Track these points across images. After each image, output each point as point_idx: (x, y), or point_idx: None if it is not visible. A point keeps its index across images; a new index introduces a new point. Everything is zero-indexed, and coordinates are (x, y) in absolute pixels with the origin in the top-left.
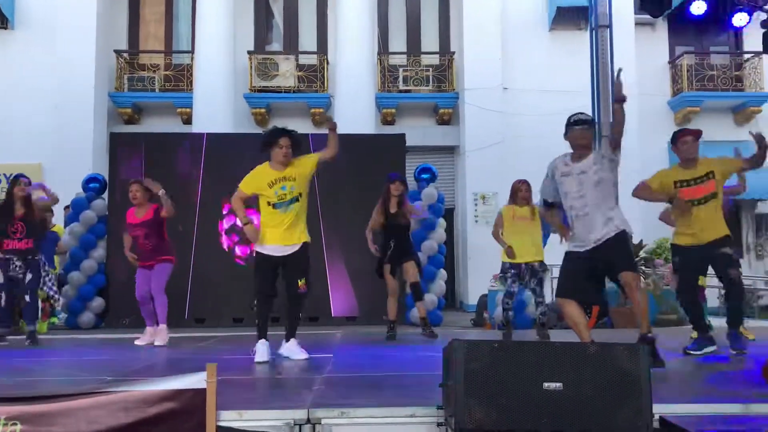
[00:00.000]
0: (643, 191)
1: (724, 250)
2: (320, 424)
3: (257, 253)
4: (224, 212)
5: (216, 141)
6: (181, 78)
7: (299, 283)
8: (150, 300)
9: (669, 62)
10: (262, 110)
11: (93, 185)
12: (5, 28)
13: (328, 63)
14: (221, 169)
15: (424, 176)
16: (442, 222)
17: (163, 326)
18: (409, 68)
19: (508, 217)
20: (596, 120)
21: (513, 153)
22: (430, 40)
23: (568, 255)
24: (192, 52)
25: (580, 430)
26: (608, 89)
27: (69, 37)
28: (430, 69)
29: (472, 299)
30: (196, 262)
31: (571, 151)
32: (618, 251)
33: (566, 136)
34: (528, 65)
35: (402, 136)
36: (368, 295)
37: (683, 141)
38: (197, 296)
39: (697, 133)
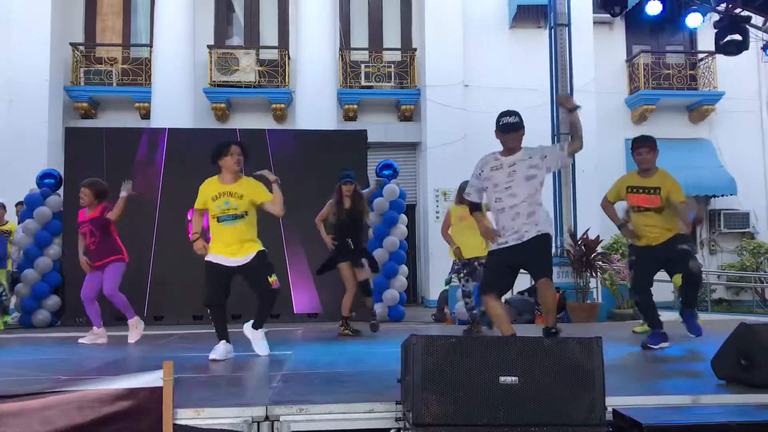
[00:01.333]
0: (605, 208)
1: (681, 246)
2: (279, 421)
3: (207, 261)
4: (188, 218)
5: (178, 136)
6: (139, 72)
7: (270, 279)
8: (95, 300)
9: (626, 61)
10: (222, 105)
11: (48, 181)
12: None
13: (289, 58)
14: (183, 164)
15: (386, 172)
16: (403, 218)
17: (133, 320)
18: (371, 64)
19: (455, 217)
20: (554, 117)
21: (474, 149)
22: (392, 37)
23: (493, 253)
24: (150, 45)
25: (535, 422)
26: (567, 86)
27: (22, 29)
28: (392, 65)
29: (434, 295)
30: (155, 259)
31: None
32: (539, 256)
33: (499, 135)
34: (489, 62)
35: (364, 132)
36: (330, 292)
37: (638, 152)
38: (156, 293)
39: (651, 144)
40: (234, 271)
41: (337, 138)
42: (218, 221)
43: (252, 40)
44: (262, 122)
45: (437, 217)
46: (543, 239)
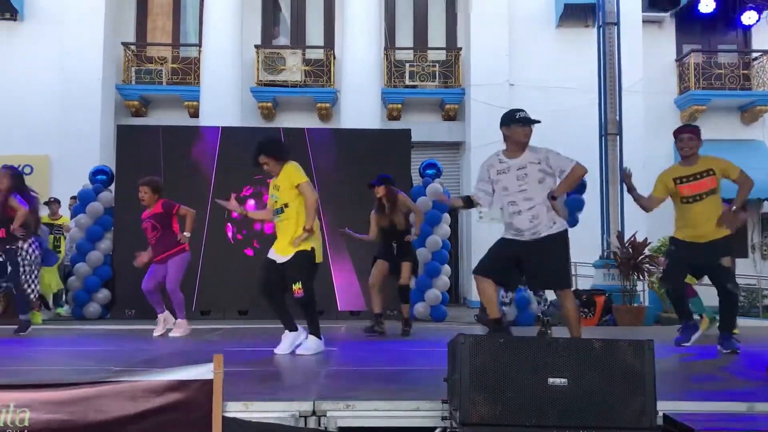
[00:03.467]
0: (650, 202)
1: (722, 262)
2: (325, 416)
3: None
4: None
5: (230, 134)
6: (188, 71)
7: (294, 287)
8: (156, 292)
9: (676, 60)
10: (269, 104)
11: (100, 177)
12: (14, 20)
13: (334, 58)
14: (234, 162)
15: (429, 172)
16: (446, 218)
17: (180, 320)
18: (415, 63)
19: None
20: (602, 117)
21: None
22: (437, 36)
23: (502, 240)
24: (199, 45)
25: (584, 426)
26: (615, 86)
27: (77, 29)
28: (437, 64)
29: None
30: (205, 255)
31: (504, 148)
32: (556, 258)
33: (508, 128)
34: (535, 62)
35: (407, 132)
36: None
37: (680, 138)
38: (205, 288)
39: (695, 131)
40: (279, 267)
41: (382, 137)
42: (273, 215)
43: (298, 39)
44: (307, 121)
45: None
46: (560, 236)
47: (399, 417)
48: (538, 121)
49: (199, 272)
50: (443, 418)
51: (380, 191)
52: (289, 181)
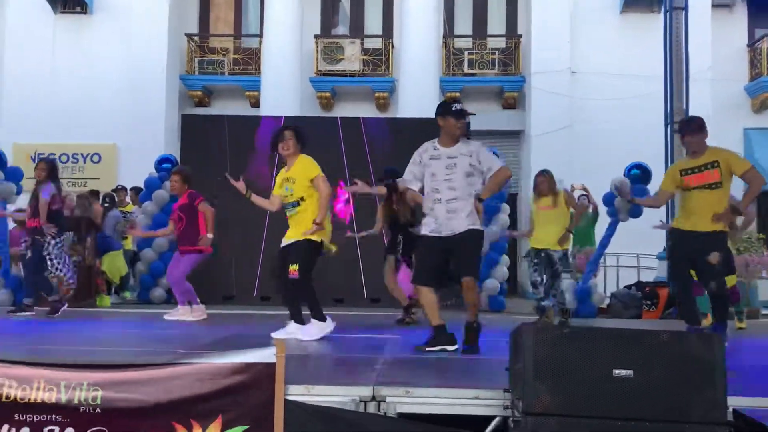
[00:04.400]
0: (659, 198)
1: (709, 258)
2: (385, 401)
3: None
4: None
5: (292, 124)
6: (249, 62)
7: (290, 267)
8: (183, 281)
9: (748, 46)
10: (327, 94)
11: (165, 165)
12: (84, 13)
13: (393, 47)
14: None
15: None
16: (505, 207)
17: (196, 306)
18: (474, 51)
19: (535, 209)
20: (668, 106)
21: (580, 138)
22: (496, 23)
23: (424, 240)
24: (260, 36)
25: (650, 418)
26: (682, 73)
27: (143, 21)
28: (496, 52)
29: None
30: (266, 244)
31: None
32: (468, 251)
33: (443, 119)
34: (597, 48)
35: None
36: None
37: (684, 134)
38: (266, 276)
39: (699, 124)
40: (283, 251)
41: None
42: (284, 207)
43: (357, 29)
44: (366, 111)
45: None
46: (476, 233)
47: (459, 405)
48: (473, 114)
49: (261, 260)
50: (505, 407)
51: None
52: (305, 175)
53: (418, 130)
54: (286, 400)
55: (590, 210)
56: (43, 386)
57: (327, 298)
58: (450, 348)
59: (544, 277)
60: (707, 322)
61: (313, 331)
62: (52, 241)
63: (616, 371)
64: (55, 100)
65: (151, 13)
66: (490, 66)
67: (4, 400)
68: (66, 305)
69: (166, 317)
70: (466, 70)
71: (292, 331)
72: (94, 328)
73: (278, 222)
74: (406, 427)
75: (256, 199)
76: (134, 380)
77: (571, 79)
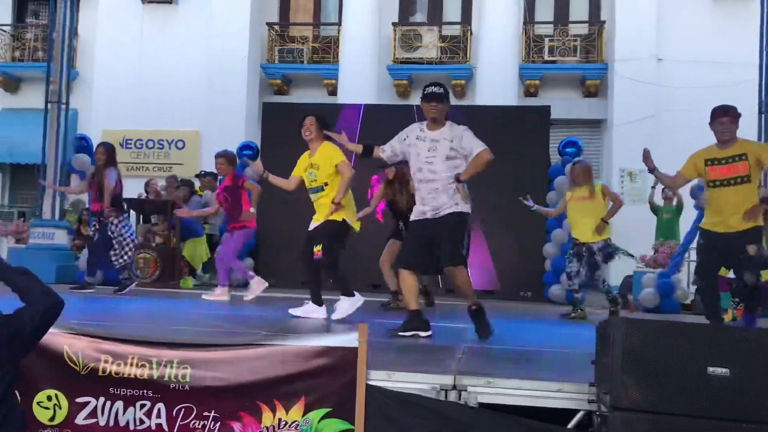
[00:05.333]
0: (675, 180)
1: (749, 249)
2: (466, 391)
3: None
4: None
5: (371, 112)
6: (328, 50)
7: (315, 249)
8: (236, 261)
9: None
10: (404, 82)
11: (246, 152)
12: (170, 3)
13: (471, 34)
14: (375, 139)
15: (569, 150)
16: None
17: (256, 279)
18: (555, 38)
19: (567, 197)
20: (763, 94)
21: (665, 128)
22: (579, 9)
23: (411, 225)
24: (339, 24)
25: (747, 419)
26: None
27: (225, 11)
28: (578, 39)
29: (614, 280)
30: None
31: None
32: (450, 237)
33: (422, 104)
34: (686, 34)
35: (546, 109)
36: (508, 269)
37: (719, 122)
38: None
39: (735, 114)
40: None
41: (518, 114)
42: (308, 192)
43: (435, 16)
44: None
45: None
46: (458, 216)
47: (541, 397)
48: (440, 98)
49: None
50: (590, 401)
51: (390, 173)
52: (329, 161)
53: (494, 118)
54: (367, 385)
55: (674, 203)
56: (136, 362)
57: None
58: (423, 334)
59: (581, 269)
60: (728, 318)
61: (345, 305)
62: (116, 221)
63: (711, 369)
64: (142, 89)
65: (234, 3)
66: (571, 53)
67: (100, 374)
68: (134, 284)
69: (204, 297)
70: (546, 57)
71: (309, 310)
72: (178, 308)
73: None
74: (487, 417)
75: (273, 179)
76: (221, 359)
77: (656, 66)
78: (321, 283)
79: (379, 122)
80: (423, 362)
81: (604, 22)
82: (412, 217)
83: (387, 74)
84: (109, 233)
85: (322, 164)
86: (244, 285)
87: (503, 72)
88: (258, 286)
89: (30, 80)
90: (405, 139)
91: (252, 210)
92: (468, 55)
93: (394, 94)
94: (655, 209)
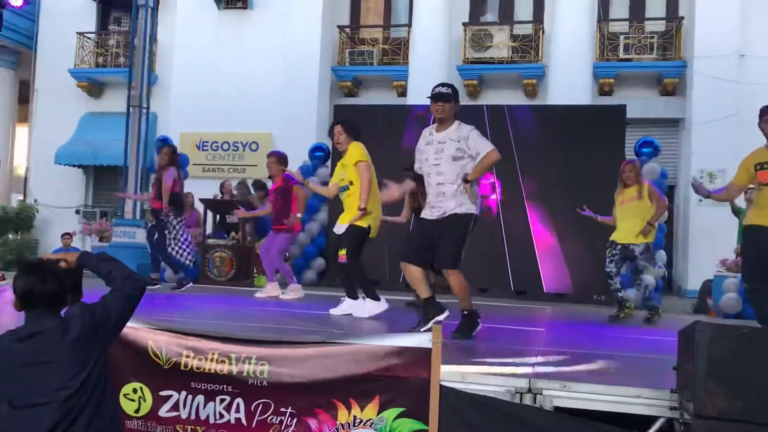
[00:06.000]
0: (730, 192)
1: None
2: (541, 394)
3: None
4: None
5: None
6: (397, 51)
7: (339, 252)
8: (267, 259)
9: None
10: (474, 82)
11: (317, 154)
12: (245, 8)
13: (543, 32)
14: None
15: (646, 150)
16: None
17: (293, 285)
18: (631, 35)
19: (618, 200)
20: None
21: (747, 127)
22: (655, 5)
23: (419, 221)
24: (409, 25)
25: None
26: None
27: (298, 15)
28: (655, 36)
29: (692, 284)
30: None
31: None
32: (447, 238)
33: (431, 105)
34: None
35: (622, 108)
36: (582, 273)
37: (765, 119)
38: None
39: None
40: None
41: (591, 114)
42: (339, 191)
43: (506, 15)
44: (513, 98)
45: (700, 200)
46: (462, 218)
47: (618, 403)
48: (447, 98)
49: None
50: (671, 408)
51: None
52: (352, 160)
53: (567, 118)
54: (441, 386)
55: None
56: (216, 358)
57: (472, 286)
58: (441, 317)
59: (621, 270)
60: None
61: (367, 307)
62: (174, 221)
63: None
64: (218, 92)
65: (306, 7)
66: (647, 51)
67: (182, 368)
68: (191, 283)
69: (257, 295)
70: (621, 55)
71: (345, 307)
72: (252, 306)
73: None
74: (563, 422)
75: (314, 186)
76: (297, 357)
77: (739, 63)
78: (364, 275)
79: None
80: (497, 364)
81: (682, 18)
82: (421, 215)
83: (457, 74)
84: (167, 232)
85: (349, 164)
86: (283, 285)
87: (577, 70)
88: (294, 293)
89: (112, 85)
90: (419, 149)
91: (299, 215)
92: (540, 54)
93: (465, 94)
94: (736, 211)
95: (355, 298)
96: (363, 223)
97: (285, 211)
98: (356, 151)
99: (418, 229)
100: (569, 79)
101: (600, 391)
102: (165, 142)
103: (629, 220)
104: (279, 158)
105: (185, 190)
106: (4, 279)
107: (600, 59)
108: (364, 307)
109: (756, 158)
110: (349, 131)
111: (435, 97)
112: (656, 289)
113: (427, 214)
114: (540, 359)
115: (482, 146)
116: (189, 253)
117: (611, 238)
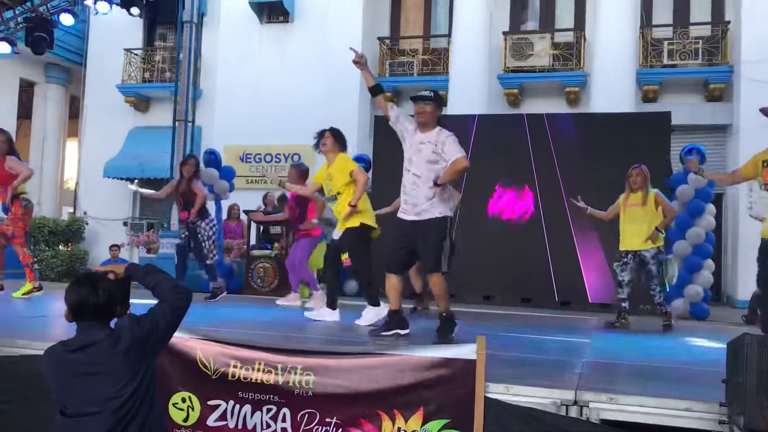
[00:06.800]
0: (734, 176)
1: None
2: (588, 407)
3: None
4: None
5: (482, 122)
6: (437, 62)
7: (342, 257)
8: (294, 269)
9: None
10: (515, 91)
11: (359, 165)
12: (286, 22)
13: (585, 39)
14: (489, 150)
15: (691, 157)
16: (710, 208)
17: (316, 293)
18: (675, 41)
19: (622, 205)
20: None
21: None
22: (700, 10)
23: (396, 221)
24: (449, 35)
25: None
26: None
27: (338, 27)
28: (700, 41)
29: (741, 294)
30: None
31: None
32: (429, 244)
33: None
34: None
35: (667, 114)
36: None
37: None
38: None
39: None
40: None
41: (638, 121)
42: (327, 200)
43: (547, 24)
44: (555, 107)
45: (749, 209)
46: (438, 222)
47: (667, 416)
48: (429, 102)
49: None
50: (720, 422)
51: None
52: (343, 172)
53: (611, 126)
54: (486, 398)
55: None
56: (262, 368)
57: (515, 296)
58: (402, 332)
59: (638, 277)
60: None
61: (368, 316)
62: (202, 223)
63: None
64: (260, 104)
65: (347, 19)
66: (692, 56)
67: (230, 378)
68: (225, 293)
69: (278, 302)
70: (665, 61)
71: (369, 318)
72: (297, 316)
73: (470, 225)
74: None
75: (289, 186)
76: (342, 367)
77: None
78: (338, 289)
79: (491, 132)
80: (542, 376)
81: (728, 22)
82: (398, 213)
83: (497, 84)
84: (199, 236)
85: (336, 175)
86: (360, 294)
87: (620, 78)
88: (319, 300)
89: (158, 100)
90: (408, 123)
91: (314, 221)
92: (582, 62)
93: (505, 103)
94: None
95: (376, 305)
96: (354, 223)
97: (302, 219)
98: (348, 161)
99: (396, 233)
100: (612, 86)
101: (648, 403)
102: (213, 155)
103: (634, 226)
104: (300, 170)
105: (230, 202)
106: (2, 290)
107: (643, 66)
108: (366, 315)
109: (765, 156)
110: (337, 139)
111: (417, 98)
112: (704, 299)
113: (402, 214)
114: (586, 371)
115: (454, 152)
116: (214, 258)
117: (622, 249)
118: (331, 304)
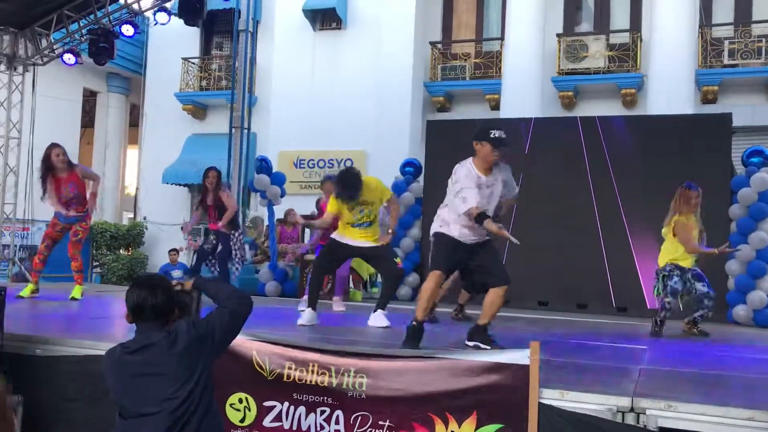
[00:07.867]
0: None
1: None
2: (644, 414)
3: (332, 239)
4: None
5: (537, 125)
6: (490, 65)
7: (396, 261)
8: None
9: None
10: (569, 93)
11: (408, 169)
12: (339, 29)
13: (641, 40)
14: (544, 151)
15: (755, 160)
16: None
17: (335, 298)
18: (736, 40)
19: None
20: None
21: None
22: (763, 8)
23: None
24: (501, 38)
25: None
26: None
27: (391, 32)
28: (763, 39)
29: None
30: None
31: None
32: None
33: (488, 149)
34: None
35: (728, 116)
36: None
37: None
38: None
39: None
40: (357, 253)
41: (695, 123)
42: (352, 226)
43: (602, 25)
44: (610, 109)
45: None
46: (434, 233)
47: (728, 425)
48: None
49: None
50: None
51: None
52: (379, 197)
53: (669, 128)
54: (540, 403)
55: None
56: (316, 370)
57: (570, 302)
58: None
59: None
60: None
61: (379, 320)
62: (235, 234)
63: None
64: (314, 111)
65: (399, 24)
66: (755, 55)
67: (285, 380)
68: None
69: (334, 308)
70: (726, 61)
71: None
72: (348, 320)
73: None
74: None
75: (312, 222)
76: (394, 370)
77: None
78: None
79: (546, 135)
80: (598, 382)
81: None
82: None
83: (551, 86)
84: (231, 243)
85: (376, 202)
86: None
87: (678, 79)
88: (337, 306)
89: (215, 107)
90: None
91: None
92: (638, 63)
93: (559, 105)
94: None
95: (314, 308)
96: (387, 240)
97: (332, 228)
98: (385, 188)
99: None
100: (670, 87)
101: (708, 411)
102: (264, 162)
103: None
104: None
105: (287, 207)
106: (37, 292)
107: (702, 66)
108: (375, 317)
109: None
110: (344, 186)
111: (500, 141)
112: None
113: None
114: (643, 377)
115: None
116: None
117: (680, 264)
118: (313, 304)
